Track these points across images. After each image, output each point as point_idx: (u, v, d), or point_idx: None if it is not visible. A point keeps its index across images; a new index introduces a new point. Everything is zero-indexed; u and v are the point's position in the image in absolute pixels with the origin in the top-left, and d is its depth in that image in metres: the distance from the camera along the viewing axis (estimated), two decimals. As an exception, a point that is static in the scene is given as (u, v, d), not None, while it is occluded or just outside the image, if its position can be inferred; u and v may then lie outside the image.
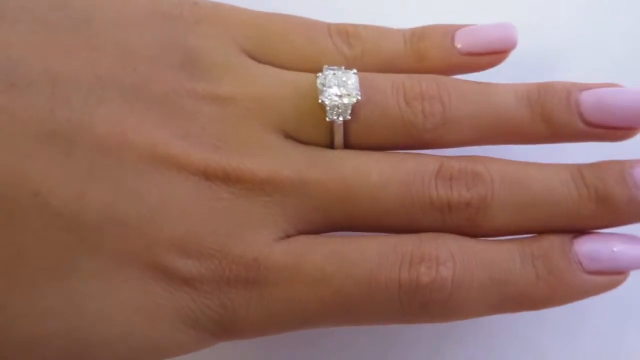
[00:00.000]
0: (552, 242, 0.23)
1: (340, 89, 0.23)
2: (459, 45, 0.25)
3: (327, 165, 0.23)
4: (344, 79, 0.24)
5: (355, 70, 0.24)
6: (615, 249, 0.23)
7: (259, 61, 0.25)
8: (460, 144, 0.25)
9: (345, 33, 0.25)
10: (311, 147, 0.24)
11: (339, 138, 0.24)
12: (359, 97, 0.23)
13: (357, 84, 0.24)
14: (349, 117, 0.23)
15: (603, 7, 0.31)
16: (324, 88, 0.23)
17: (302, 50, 0.25)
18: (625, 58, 0.30)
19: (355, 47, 0.25)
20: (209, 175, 0.22)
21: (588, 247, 0.23)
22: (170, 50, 0.24)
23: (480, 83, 0.25)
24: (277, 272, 0.22)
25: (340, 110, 0.23)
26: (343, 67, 0.24)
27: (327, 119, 0.23)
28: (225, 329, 0.22)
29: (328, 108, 0.23)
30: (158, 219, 0.21)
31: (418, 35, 0.26)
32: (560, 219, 0.24)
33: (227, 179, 0.22)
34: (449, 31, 0.26)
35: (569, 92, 0.25)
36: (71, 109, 0.21)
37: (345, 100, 0.23)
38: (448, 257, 0.23)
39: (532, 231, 0.24)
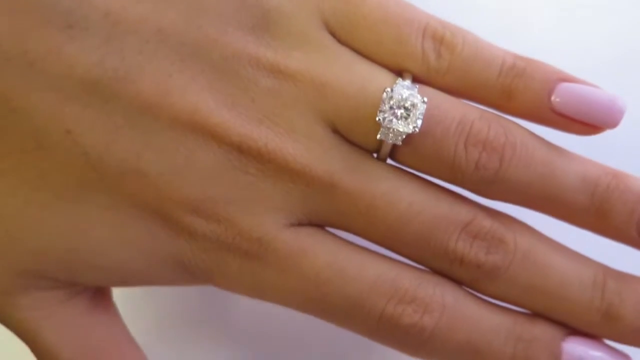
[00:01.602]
0: (544, 333, 0.23)
1: (402, 111, 0.22)
2: (555, 100, 0.23)
3: (362, 177, 0.23)
4: (411, 103, 0.22)
5: (426, 99, 0.22)
6: None
7: (339, 40, 0.23)
8: (500, 200, 0.24)
9: (440, 40, 0.23)
10: (354, 150, 0.23)
11: (384, 154, 0.23)
12: (417, 130, 0.22)
13: (422, 117, 0.22)
14: (400, 143, 0.22)
15: (588, 8, 0.28)
16: (386, 107, 0.22)
17: (386, 45, 0.23)
18: (609, 60, 0.28)
19: (444, 60, 0.23)
20: (242, 150, 0.22)
21: (576, 352, 0.23)
22: (247, 8, 0.22)
23: (551, 150, 0.23)
24: (276, 258, 0.23)
25: (393, 135, 0.22)
26: (417, 88, 0.22)
27: (377, 137, 0.22)
28: (212, 280, 0.24)
29: (382, 129, 0.22)
30: (178, 179, 0.22)
31: (518, 69, 0.23)
32: (561, 314, 0.23)
33: (260, 157, 0.22)
34: (552, 78, 0.23)
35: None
36: (122, 59, 0.21)
37: (402, 128, 0.22)
38: (438, 307, 0.23)
39: (531, 310, 0.24)
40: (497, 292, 0.23)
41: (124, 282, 0.23)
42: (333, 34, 0.23)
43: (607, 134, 0.23)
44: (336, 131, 0.23)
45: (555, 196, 0.23)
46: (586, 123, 0.23)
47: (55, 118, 0.21)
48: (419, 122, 0.22)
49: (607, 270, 0.23)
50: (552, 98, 0.23)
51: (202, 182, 0.22)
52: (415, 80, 0.23)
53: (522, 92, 0.23)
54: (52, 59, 0.21)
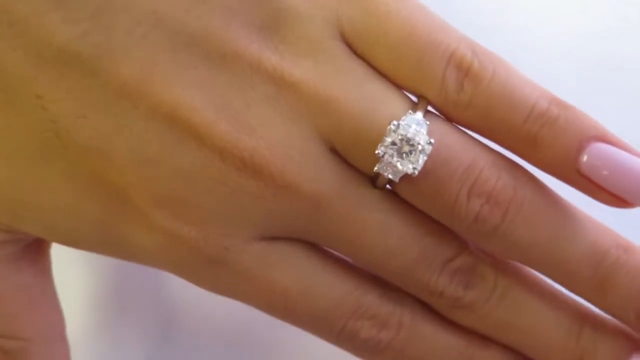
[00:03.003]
0: (493, 358, 0.23)
1: (405, 148, 0.20)
2: (583, 159, 0.20)
3: (354, 204, 0.21)
4: (417, 142, 0.20)
5: (433, 141, 0.20)
6: None
7: (354, 51, 0.21)
8: (497, 255, 0.22)
9: (466, 70, 0.20)
10: (350, 173, 0.21)
11: (380, 185, 0.21)
12: (416, 172, 0.20)
13: (425, 159, 0.20)
14: (397, 181, 0.20)
15: (568, 7, 0.27)
16: (389, 141, 0.20)
17: (404, 69, 0.20)
18: (590, 59, 0.27)
19: (465, 94, 0.20)
20: (224, 157, 0.20)
21: None
22: (259, 3, 0.20)
23: (562, 212, 0.21)
24: (243, 269, 0.21)
25: (391, 171, 0.20)
26: (427, 125, 0.20)
27: (374, 169, 0.20)
28: (168, 270, 0.22)
29: (379, 165, 0.20)
30: (146, 171, 0.20)
31: (549, 117, 0.20)
32: (532, 354, 0.22)
33: (243, 168, 0.20)
34: (587, 135, 0.20)
35: None
36: (107, 37, 0.19)
37: (401, 167, 0.20)
38: (396, 324, 0.22)
39: (496, 341, 0.23)
40: (472, 324, 0.22)
41: (71, 245, 0.23)
42: (349, 45, 0.21)
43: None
44: (334, 150, 0.21)
45: (556, 264, 0.21)
46: (612, 193, 0.20)
47: (27, 80, 0.20)
48: (420, 164, 0.20)
49: (587, 316, 0.22)
50: (582, 157, 0.20)
51: (172, 181, 0.20)
52: (433, 109, 0.21)
53: (549, 145, 0.20)
54: (33, 23, 0.19)
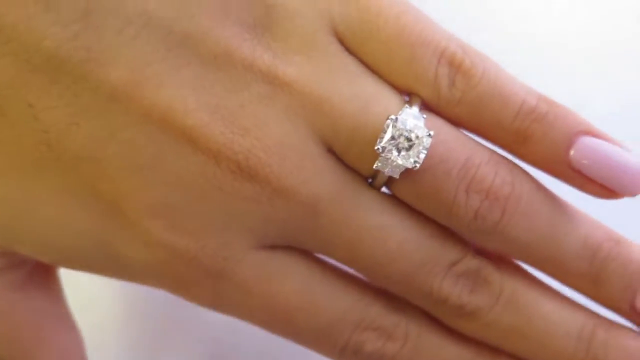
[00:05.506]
0: None
1: (404, 143, 0.20)
2: (572, 153, 0.21)
3: (352, 206, 0.20)
4: (416, 136, 0.20)
5: (432, 133, 0.20)
6: None
7: (347, 48, 0.20)
8: (496, 252, 0.22)
9: (458, 67, 0.20)
10: (347, 174, 0.20)
11: (379, 183, 0.21)
12: (418, 165, 0.20)
13: (425, 152, 0.20)
14: (397, 177, 0.20)
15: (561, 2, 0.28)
16: (387, 136, 0.20)
17: (397, 65, 0.20)
18: (580, 54, 0.27)
19: (457, 90, 0.20)
20: (219, 160, 0.19)
21: None
22: (250, 2, 0.19)
23: (556, 208, 0.21)
24: (243, 280, 0.20)
25: (391, 167, 0.20)
26: (424, 119, 0.20)
27: (374, 167, 0.20)
28: (164, 288, 0.21)
29: (380, 159, 0.20)
30: (140, 178, 0.19)
31: (538, 113, 0.21)
32: (537, 358, 0.22)
33: (239, 172, 0.19)
34: (575, 130, 0.21)
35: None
36: (97, 38, 0.18)
37: (401, 161, 0.20)
38: (401, 336, 0.22)
39: (504, 350, 0.22)
40: (477, 332, 0.22)
41: (67, 265, 0.21)
42: (342, 42, 0.21)
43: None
44: (331, 151, 0.20)
45: (554, 259, 0.21)
46: (602, 185, 0.21)
47: (18, 89, 0.19)
48: (421, 157, 0.20)
49: (598, 322, 0.22)
50: (571, 151, 0.21)
51: (166, 188, 0.19)
52: (425, 107, 0.21)
53: (539, 140, 0.21)
54: (21, 27, 0.18)
